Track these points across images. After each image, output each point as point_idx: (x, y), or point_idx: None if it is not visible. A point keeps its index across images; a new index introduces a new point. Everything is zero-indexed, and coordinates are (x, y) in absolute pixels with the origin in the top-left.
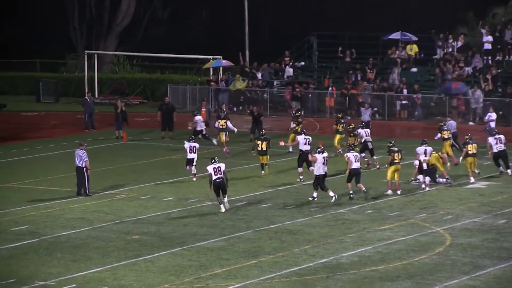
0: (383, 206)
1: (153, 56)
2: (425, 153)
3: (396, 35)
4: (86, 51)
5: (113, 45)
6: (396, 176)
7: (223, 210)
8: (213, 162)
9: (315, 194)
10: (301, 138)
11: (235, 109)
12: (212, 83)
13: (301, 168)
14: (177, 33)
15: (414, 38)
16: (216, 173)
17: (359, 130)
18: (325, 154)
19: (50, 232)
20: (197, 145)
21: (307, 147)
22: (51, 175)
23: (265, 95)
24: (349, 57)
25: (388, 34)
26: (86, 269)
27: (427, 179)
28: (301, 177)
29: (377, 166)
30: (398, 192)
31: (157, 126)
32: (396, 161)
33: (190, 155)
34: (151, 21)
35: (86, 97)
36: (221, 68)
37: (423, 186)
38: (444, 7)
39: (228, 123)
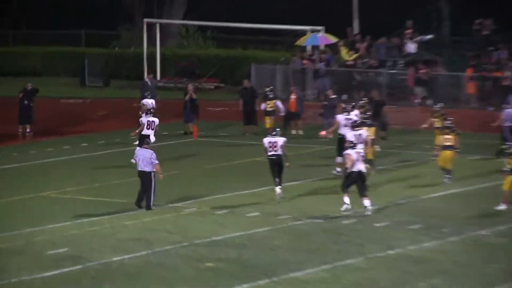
0: None
1: (233, 27)
2: None
3: None
4: (145, 19)
5: (181, 12)
6: None
7: (278, 192)
8: (273, 134)
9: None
10: (341, 118)
11: (343, 96)
12: (305, 62)
13: (341, 158)
14: None
15: None
16: (271, 149)
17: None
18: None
19: (97, 257)
20: (156, 120)
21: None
22: (99, 182)
23: (379, 78)
24: (488, 29)
25: None
26: None
27: None
28: (339, 169)
29: None
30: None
31: (238, 118)
32: None
33: (146, 131)
34: None
35: (146, 79)
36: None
37: None
38: None
39: (278, 103)
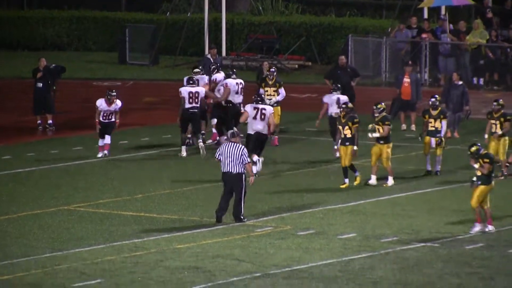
0: None
1: None
2: None
3: None
4: None
5: None
6: None
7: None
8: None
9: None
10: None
11: (475, 81)
12: (424, 36)
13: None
14: None
15: None
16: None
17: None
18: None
19: None
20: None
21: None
22: (143, 192)
23: None
24: None
25: None
26: None
27: None
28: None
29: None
30: None
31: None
32: None
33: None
34: None
35: (208, 55)
36: (442, 9)
37: None
38: None
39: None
